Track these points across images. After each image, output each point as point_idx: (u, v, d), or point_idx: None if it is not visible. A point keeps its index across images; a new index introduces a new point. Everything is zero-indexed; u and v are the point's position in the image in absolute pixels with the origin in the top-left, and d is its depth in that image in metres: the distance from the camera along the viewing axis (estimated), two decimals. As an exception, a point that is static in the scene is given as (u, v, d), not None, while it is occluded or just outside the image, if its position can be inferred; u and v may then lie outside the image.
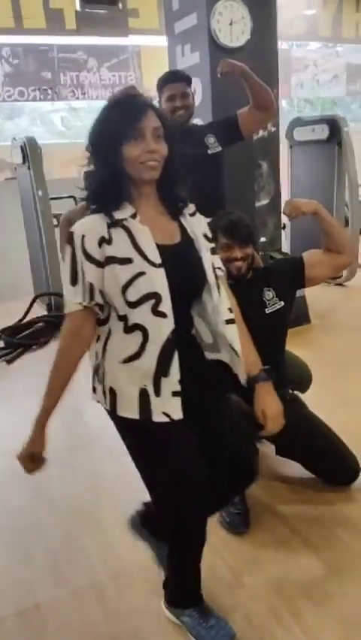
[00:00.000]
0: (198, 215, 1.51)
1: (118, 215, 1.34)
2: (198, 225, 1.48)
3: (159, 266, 1.34)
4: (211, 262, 1.46)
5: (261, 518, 2.00)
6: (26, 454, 1.41)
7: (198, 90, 3.51)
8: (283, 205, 2.17)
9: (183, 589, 1.60)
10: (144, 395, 1.37)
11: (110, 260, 1.31)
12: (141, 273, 1.32)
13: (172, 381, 1.37)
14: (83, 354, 1.40)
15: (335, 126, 4.66)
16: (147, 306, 1.32)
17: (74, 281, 1.34)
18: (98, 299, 1.34)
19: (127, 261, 1.32)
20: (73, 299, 1.35)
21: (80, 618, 1.66)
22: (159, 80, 2.70)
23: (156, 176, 1.36)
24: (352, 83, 7.54)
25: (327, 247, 2.09)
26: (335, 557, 1.81)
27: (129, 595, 1.73)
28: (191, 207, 1.50)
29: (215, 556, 1.82)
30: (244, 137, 2.87)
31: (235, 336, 1.47)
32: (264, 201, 4.15)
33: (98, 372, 1.45)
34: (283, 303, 2.11)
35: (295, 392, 2.20)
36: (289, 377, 2.18)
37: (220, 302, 1.45)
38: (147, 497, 1.55)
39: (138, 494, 2.20)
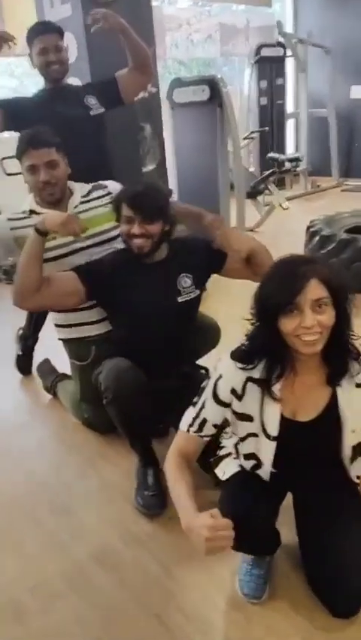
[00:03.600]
0: None
1: (261, 374, 1.33)
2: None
3: (273, 439, 1.36)
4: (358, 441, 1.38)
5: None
6: None
7: (72, 46, 3.23)
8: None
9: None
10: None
11: (233, 412, 1.38)
12: (254, 434, 1.38)
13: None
14: (189, 479, 1.34)
15: (215, 87, 4.57)
16: (252, 462, 1.43)
17: (194, 403, 1.40)
18: (208, 431, 1.39)
19: (248, 418, 1.37)
20: (185, 421, 1.41)
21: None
22: (28, 32, 2.44)
23: (315, 351, 1.25)
24: (225, 43, 7.47)
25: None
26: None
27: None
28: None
29: (142, 549, 1.73)
30: (125, 102, 2.68)
31: None
32: (150, 166, 3.99)
33: None
34: (198, 292, 1.96)
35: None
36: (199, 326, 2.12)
37: (352, 469, 1.42)
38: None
39: None
